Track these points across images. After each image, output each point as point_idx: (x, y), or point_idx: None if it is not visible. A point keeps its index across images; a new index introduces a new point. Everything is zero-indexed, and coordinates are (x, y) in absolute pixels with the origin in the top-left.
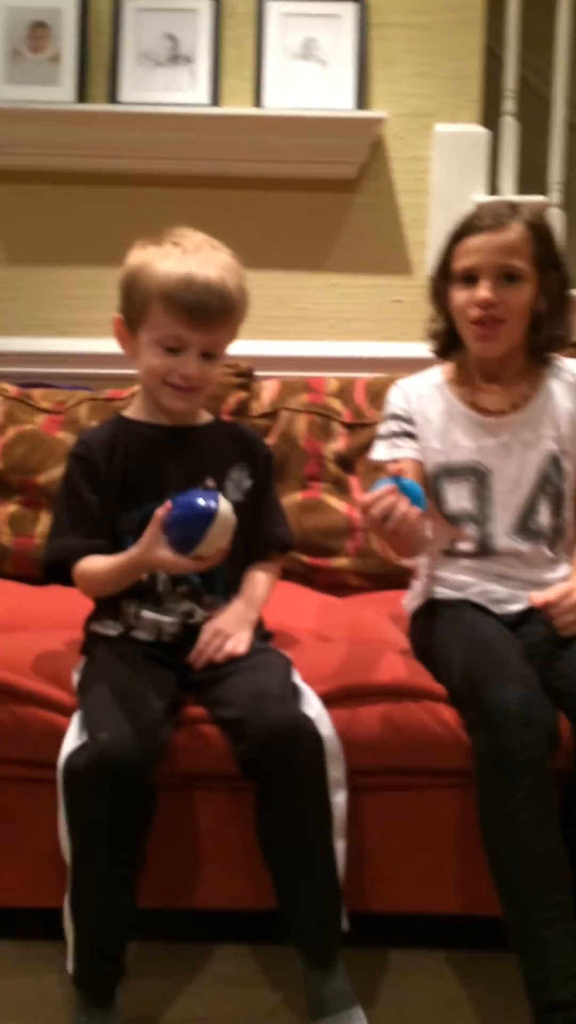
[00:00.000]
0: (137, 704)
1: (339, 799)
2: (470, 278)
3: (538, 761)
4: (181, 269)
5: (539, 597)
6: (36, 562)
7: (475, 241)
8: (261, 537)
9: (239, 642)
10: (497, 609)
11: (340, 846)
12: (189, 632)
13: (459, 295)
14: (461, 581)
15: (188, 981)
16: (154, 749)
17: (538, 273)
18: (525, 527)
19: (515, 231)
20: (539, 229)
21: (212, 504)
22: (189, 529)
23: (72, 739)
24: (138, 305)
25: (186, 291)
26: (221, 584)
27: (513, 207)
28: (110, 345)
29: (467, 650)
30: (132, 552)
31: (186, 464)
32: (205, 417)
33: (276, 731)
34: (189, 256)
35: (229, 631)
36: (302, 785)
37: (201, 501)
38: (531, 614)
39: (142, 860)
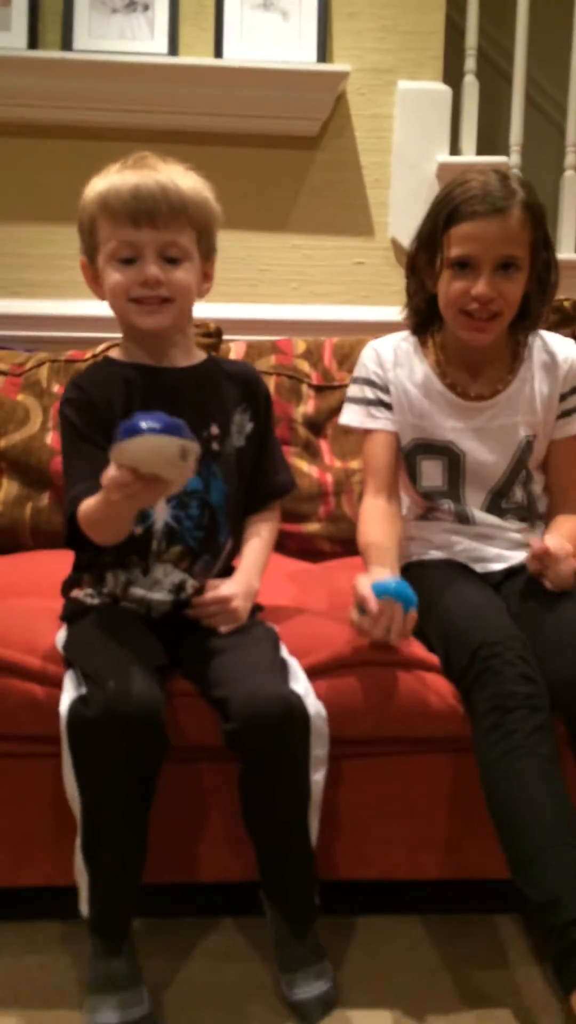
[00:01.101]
0: (138, 661)
1: (318, 777)
2: (463, 264)
3: (540, 707)
4: (117, 178)
5: (539, 545)
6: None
7: (472, 228)
8: (265, 486)
9: (236, 624)
10: (480, 568)
11: (315, 823)
12: (179, 608)
13: (453, 284)
14: (444, 539)
15: (177, 957)
16: (162, 700)
17: (533, 258)
18: (497, 507)
19: (515, 218)
20: (536, 210)
21: (146, 425)
22: None
23: (70, 692)
24: (88, 231)
25: (121, 191)
26: (221, 537)
27: (506, 184)
28: (64, 307)
29: (460, 614)
30: None
31: (187, 411)
32: (199, 355)
33: (264, 712)
34: (129, 168)
35: (235, 605)
36: (285, 764)
37: (143, 424)
38: (512, 574)
39: (151, 804)
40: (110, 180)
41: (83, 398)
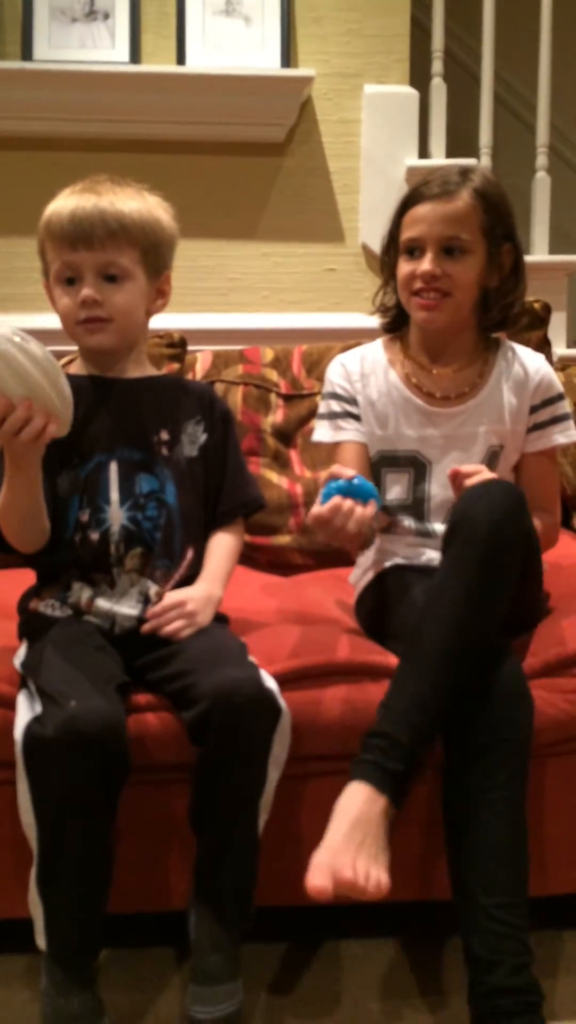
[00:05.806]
0: (100, 680)
1: (274, 776)
2: (414, 250)
3: (528, 741)
4: (61, 202)
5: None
6: None
7: (420, 210)
8: (227, 500)
9: (194, 628)
10: None
11: (262, 822)
12: (142, 624)
13: (403, 267)
14: (408, 552)
15: (144, 989)
16: (123, 718)
17: (488, 246)
18: None
19: (462, 200)
20: (489, 198)
21: None
22: None
23: (24, 713)
24: (41, 253)
25: (62, 215)
26: (178, 542)
27: (464, 173)
28: (28, 320)
29: None
30: None
31: (134, 416)
32: (151, 370)
33: (236, 692)
34: (76, 192)
35: (192, 608)
36: (246, 750)
37: None
38: None
39: (114, 826)
40: (55, 205)
41: None
